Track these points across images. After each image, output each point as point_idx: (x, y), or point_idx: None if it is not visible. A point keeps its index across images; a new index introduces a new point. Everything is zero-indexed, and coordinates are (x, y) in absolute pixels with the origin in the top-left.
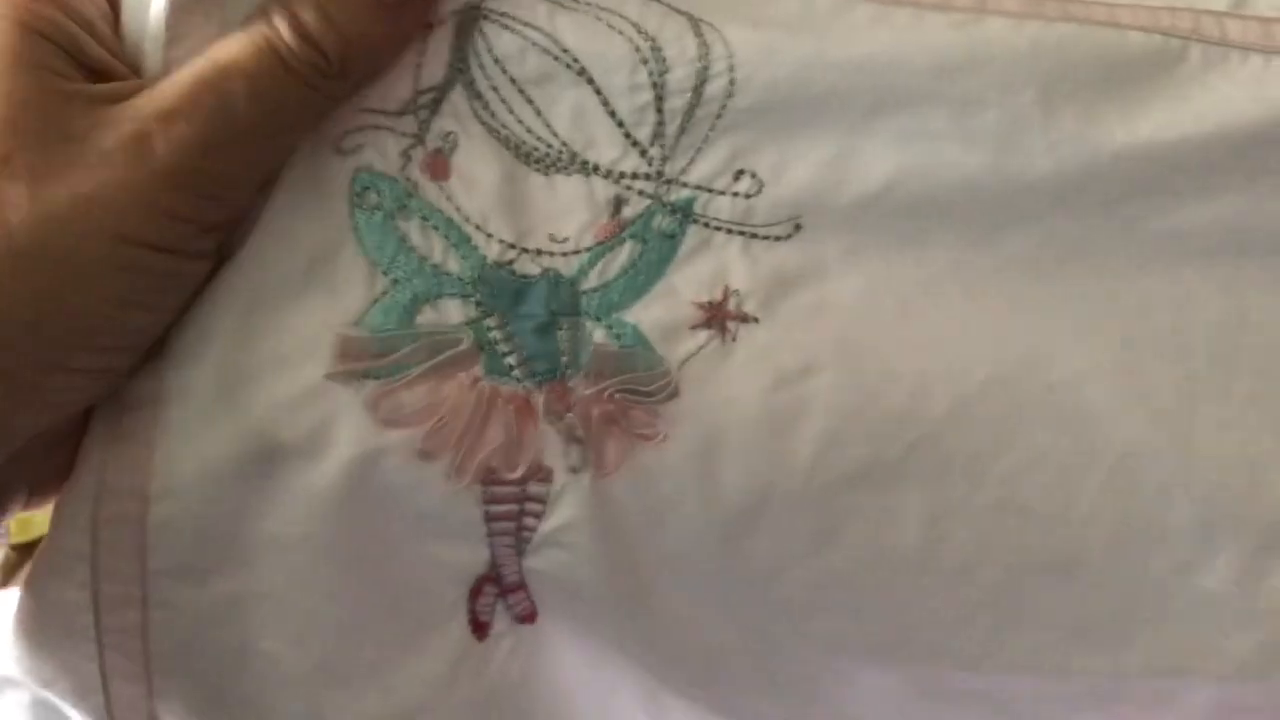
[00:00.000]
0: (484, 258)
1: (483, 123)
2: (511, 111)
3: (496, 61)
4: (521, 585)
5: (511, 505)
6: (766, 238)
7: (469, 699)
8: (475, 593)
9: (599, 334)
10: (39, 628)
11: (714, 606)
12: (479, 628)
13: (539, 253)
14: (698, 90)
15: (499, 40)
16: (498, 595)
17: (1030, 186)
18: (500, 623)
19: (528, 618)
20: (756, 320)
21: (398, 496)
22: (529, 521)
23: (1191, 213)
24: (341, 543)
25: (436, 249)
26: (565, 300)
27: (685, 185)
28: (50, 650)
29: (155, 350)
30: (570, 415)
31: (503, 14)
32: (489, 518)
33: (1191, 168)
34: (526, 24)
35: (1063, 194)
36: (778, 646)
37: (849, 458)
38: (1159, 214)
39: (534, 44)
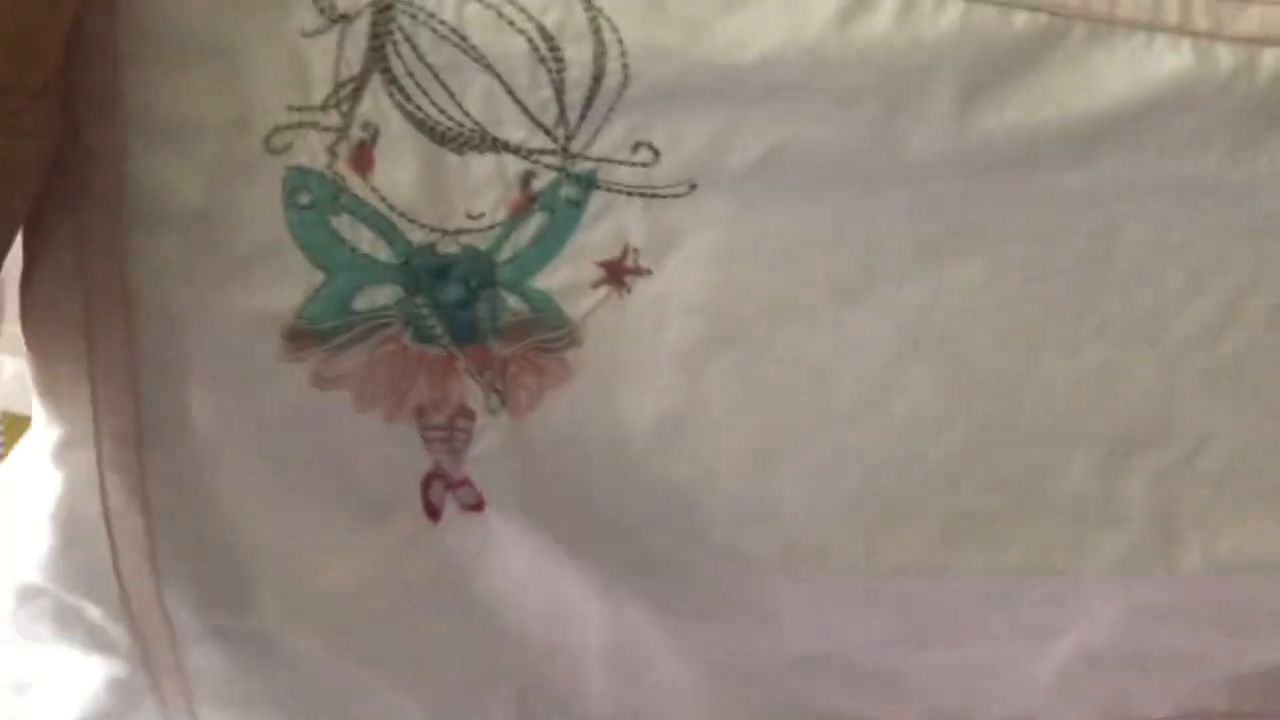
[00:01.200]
0: (410, 243)
1: (400, 109)
2: (427, 95)
3: (414, 49)
4: (467, 481)
5: (443, 432)
6: (665, 196)
7: (422, 575)
8: (426, 484)
9: (513, 301)
10: (63, 534)
11: (640, 522)
12: (432, 512)
13: (459, 232)
14: (594, 85)
15: (413, 30)
16: (446, 488)
17: (908, 163)
18: (451, 509)
19: (476, 506)
20: (649, 272)
21: (342, 429)
22: (459, 444)
23: (1070, 177)
24: (296, 454)
25: (365, 239)
26: (483, 273)
27: (589, 159)
28: (71, 555)
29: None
30: (490, 372)
31: (414, 6)
32: (425, 440)
33: (1062, 147)
34: (434, 15)
35: (942, 168)
36: (696, 565)
37: (733, 384)
38: (1038, 178)
39: (443, 37)
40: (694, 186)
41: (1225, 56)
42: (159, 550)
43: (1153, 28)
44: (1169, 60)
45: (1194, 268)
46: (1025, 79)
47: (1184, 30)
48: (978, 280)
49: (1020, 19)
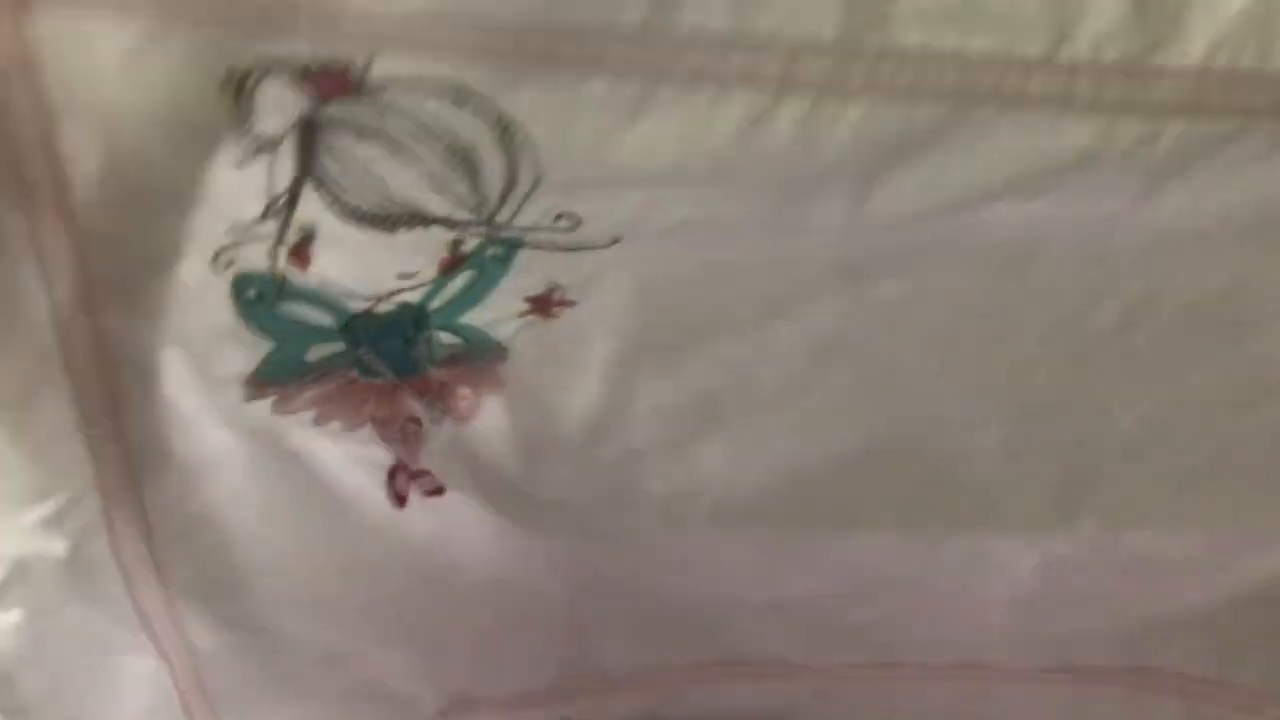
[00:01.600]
0: (350, 311)
1: (332, 207)
2: (355, 189)
3: (339, 154)
4: (427, 471)
5: (397, 433)
6: (589, 249)
7: (390, 556)
8: (391, 475)
9: (446, 337)
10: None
11: (579, 498)
12: (399, 500)
13: (393, 294)
14: (508, 186)
15: (338, 139)
16: (409, 478)
17: (810, 240)
18: (415, 495)
19: (435, 492)
20: (574, 303)
21: (308, 436)
22: (413, 443)
23: (980, 215)
24: (271, 464)
25: (310, 314)
26: (418, 322)
27: (513, 228)
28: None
29: None
30: (430, 395)
31: (338, 120)
32: (384, 440)
33: (962, 208)
34: (359, 123)
35: (849, 230)
36: (634, 531)
37: (656, 386)
38: (950, 230)
39: (368, 137)
40: (617, 239)
41: (1129, 129)
42: (163, 565)
43: (1066, 103)
44: (1073, 134)
45: (1107, 273)
46: (924, 163)
47: (1095, 106)
48: (896, 294)
49: (924, 114)
